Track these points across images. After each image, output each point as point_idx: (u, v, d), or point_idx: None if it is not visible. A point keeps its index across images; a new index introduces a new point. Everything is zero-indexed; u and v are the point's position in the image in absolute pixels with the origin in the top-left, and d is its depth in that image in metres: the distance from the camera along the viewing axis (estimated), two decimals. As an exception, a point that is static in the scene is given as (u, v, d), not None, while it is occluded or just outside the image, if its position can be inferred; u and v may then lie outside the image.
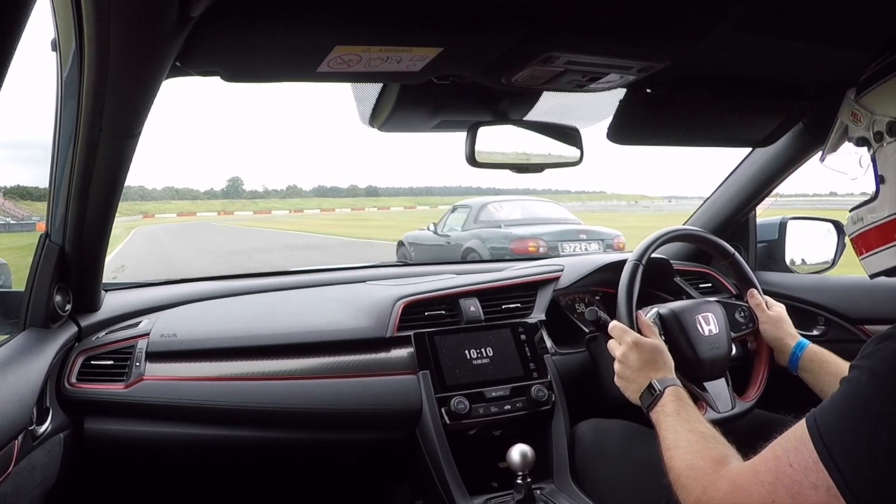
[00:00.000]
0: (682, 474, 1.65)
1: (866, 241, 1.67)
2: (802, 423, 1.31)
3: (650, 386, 2.04)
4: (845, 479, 1.18)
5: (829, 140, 1.82)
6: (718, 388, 2.46)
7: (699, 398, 2.42)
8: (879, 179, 1.60)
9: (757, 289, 2.62)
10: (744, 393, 2.54)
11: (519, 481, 2.28)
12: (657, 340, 2.25)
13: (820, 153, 2.00)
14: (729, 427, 2.17)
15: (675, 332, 2.48)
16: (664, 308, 2.56)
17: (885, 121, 1.58)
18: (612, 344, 2.29)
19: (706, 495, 1.52)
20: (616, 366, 2.24)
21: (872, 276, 1.71)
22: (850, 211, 1.73)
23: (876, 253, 1.64)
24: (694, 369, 2.44)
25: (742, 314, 2.55)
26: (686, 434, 1.79)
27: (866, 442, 1.19)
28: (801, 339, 2.45)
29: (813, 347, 2.40)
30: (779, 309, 2.56)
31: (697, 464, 1.63)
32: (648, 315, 2.50)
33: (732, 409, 2.43)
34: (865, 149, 1.68)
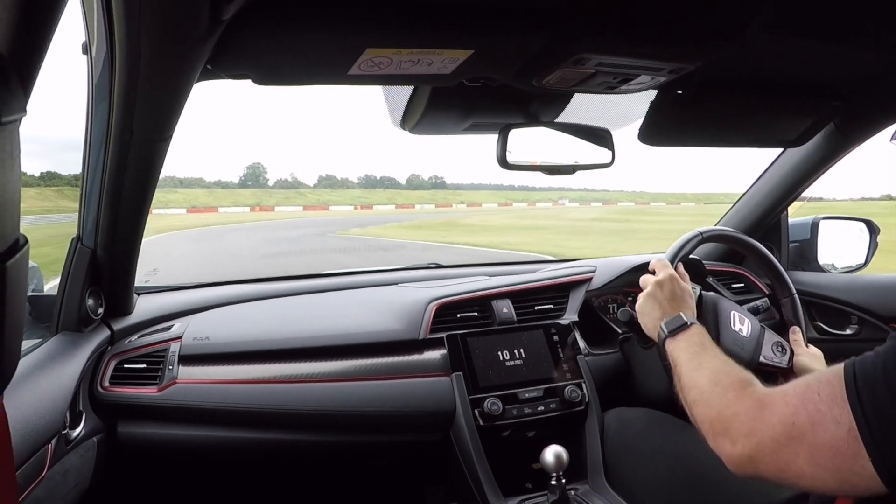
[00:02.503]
0: (706, 390, 1.66)
1: None
2: (840, 364, 1.31)
3: (678, 317, 2.06)
4: (870, 425, 1.18)
5: None
6: None
7: None
8: None
9: (802, 330, 2.60)
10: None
11: (553, 482, 2.27)
12: (691, 289, 2.31)
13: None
14: None
15: (708, 314, 2.47)
16: (708, 292, 2.57)
17: None
18: (645, 277, 2.34)
19: (729, 409, 1.52)
20: (646, 292, 2.27)
21: None
22: None
23: None
24: None
25: (779, 348, 2.53)
26: (712, 359, 1.81)
27: None
28: None
29: None
30: (816, 350, 2.55)
31: (723, 381, 1.64)
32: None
33: None
34: None
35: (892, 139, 1.88)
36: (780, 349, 2.47)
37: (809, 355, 2.48)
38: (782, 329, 2.61)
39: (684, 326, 2.01)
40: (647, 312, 2.22)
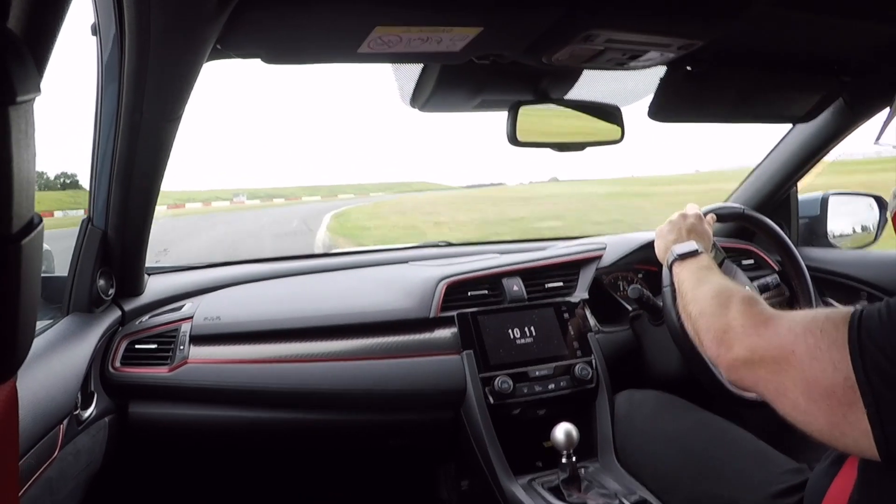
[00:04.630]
0: (712, 301, 1.69)
1: None
2: (849, 308, 1.30)
3: (691, 244, 2.13)
4: (869, 380, 1.17)
5: (891, 115, 1.81)
6: None
7: None
8: None
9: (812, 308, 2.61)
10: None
11: (564, 460, 2.28)
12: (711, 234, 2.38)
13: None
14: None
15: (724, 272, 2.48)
16: (729, 263, 2.62)
17: None
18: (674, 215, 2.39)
19: (736, 320, 1.55)
20: (669, 219, 2.35)
21: None
22: (894, 188, 1.71)
23: None
24: None
25: None
26: (718, 278, 1.87)
27: None
28: None
29: None
30: None
31: (729, 294, 1.66)
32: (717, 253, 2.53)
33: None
34: None
35: (875, 141, 1.87)
36: None
37: None
38: (792, 306, 2.61)
39: (694, 253, 2.09)
40: (663, 235, 2.29)
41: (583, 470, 2.39)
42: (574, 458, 2.27)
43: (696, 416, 2.33)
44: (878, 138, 1.87)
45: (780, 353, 1.35)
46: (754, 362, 1.44)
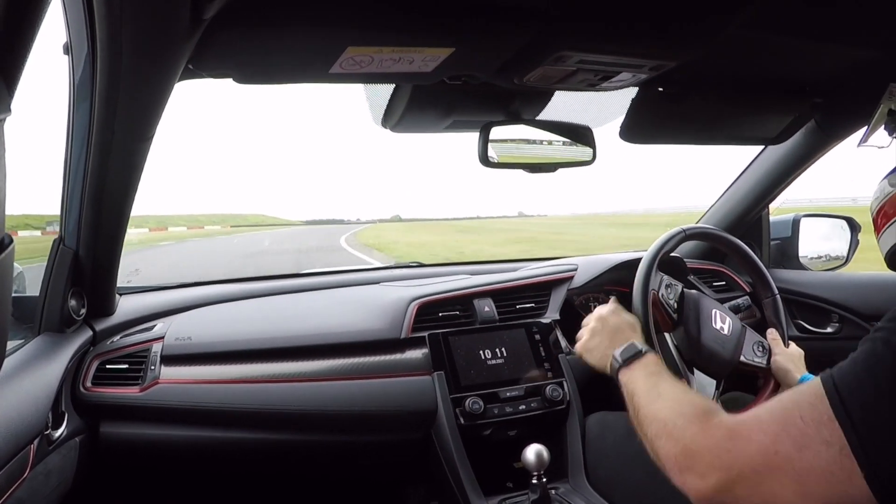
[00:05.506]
0: (669, 422, 1.54)
1: (885, 214, 1.65)
2: (817, 381, 1.25)
3: (631, 345, 2.00)
4: (862, 440, 1.13)
5: (873, 122, 1.81)
6: (704, 382, 2.48)
7: (682, 375, 2.45)
8: None
9: (782, 331, 2.61)
10: (731, 410, 2.52)
11: (534, 481, 2.27)
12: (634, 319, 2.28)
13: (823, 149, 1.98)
14: None
15: (689, 310, 2.51)
16: (690, 290, 2.61)
17: None
18: (585, 321, 2.33)
19: (696, 443, 1.42)
20: (588, 328, 2.26)
21: (888, 252, 1.67)
22: (876, 186, 1.71)
23: (894, 224, 1.63)
24: (692, 352, 2.46)
25: (760, 348, 2.54)
26: (671, 388, 1.72)
27: (891, 404, 1.14)
28: (808, 373, 2.44)
29: None
30: (795, 349, 2.55)
31: (686, 411, 1.52)
32: (671, 282, 2.56)
33: None
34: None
35: (859, 144, 1.88)
36: (760, 349, 2.49)
37: (787, 355, 2.49)
38: (763, 327, 2.63)
39: (639, 354, 1.96)
40: (594, 347, 2.20)
41: (553, 491, 2.40)
42: (545, 479, 2.27)
43: None
44: (863, 140, 1.88)
45: (762, 459, 1.25)
46: (731, 482, 1.30)
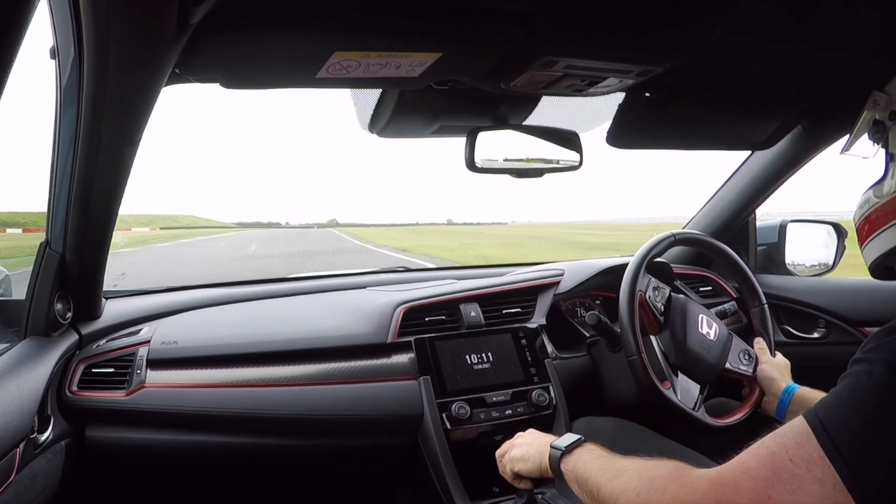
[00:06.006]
0: (643, 490, 1.42)
1: (868, 225, 1.64)
2: (801, 420, 1.23)
3: (569, 435, 1.88)
4: (855, 474, 1.11)
5: (855, 130, 1.80)
6: (690, 387, 2.48)
7: (667, 378, 2.45)
8: (889, 157, 1.59)
9: (769, 340, 2.62)
10: (717, 416, 2.53)
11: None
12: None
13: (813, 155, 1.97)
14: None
15: (676, 314, 2.53)
16: (677, 294, 2.62)
17: None
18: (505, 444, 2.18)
19: (679, 501, 1.32)
20: (510, 444, 2.13)
21: (872, 263, 1.66)
22: (860, 196, 1.71)
23: (878, 234, 1.61)
24: (677, 355, 2.48)
25: (746, 356, 2.55)
26: (628, 461, 1.60)
27: (881, 436, 1.13)
28: (793, 383, 2.43)
29: (804, 389, 2.36)
30: (781, 358, 2.55)
31: (658, 474, 1.42)
32: (658, 284, 2.58)
33: (693, 409, 2.43)
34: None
35: (842, 152, 1.88)
36: (746, 357, 2.50)
37: (773, 364, 2.49)
38: (749, 334, 2.63)
39: (580, 441, 1.84)
40: (524, 452, 2.03)
41: (540, 496, 2.40)
42: (532, 484, 2.27)
43: (655, 443, 2.33)
44: (845, 148, 1.88)
45: None
46: None
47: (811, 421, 1.20)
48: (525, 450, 2.00)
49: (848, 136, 1.78)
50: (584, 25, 1.70)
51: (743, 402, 2.54)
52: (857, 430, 1.14)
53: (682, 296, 2.63)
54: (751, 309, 2.73)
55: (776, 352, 2.58)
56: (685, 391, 2.46)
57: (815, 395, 2.29)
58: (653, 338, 2.52)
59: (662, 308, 2.55)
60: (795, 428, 1.22)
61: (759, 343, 2.60)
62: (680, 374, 2.47)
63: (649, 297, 2.54)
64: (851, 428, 1.15)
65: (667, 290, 2.60)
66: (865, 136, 1.72)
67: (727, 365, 2.49)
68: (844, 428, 1.15)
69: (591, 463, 1.68)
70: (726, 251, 2.77)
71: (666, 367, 2.46)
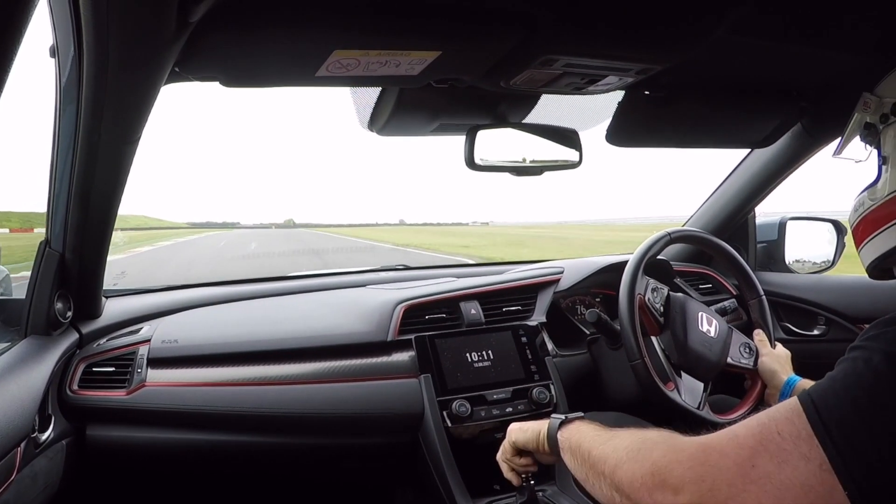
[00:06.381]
0: (633, 448, 1.42)
1: (864, 227, 1.64)
2: (794, 399, 1.22)
3: (553, 419, 1.84)
4: (842, 456, 1.11)
5: (846, 133, 1.79)
6: (694, 386, 2.50)
7: (670, 379, 2.48)
8: (882, 160, 1.59)
9: (768, 332, 2.63)
10: (720, 412, 2.54)
11: (522, 484, 2.28)
12: None
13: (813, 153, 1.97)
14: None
15: (676, 313, 2.54)
16: (676, 293, 2.63)
17: (890, 103, 1.58)
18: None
19: (666, 458, 1.32)
20: (510, 430, 2.05)
21: (870, 265, 1.66)
22: (854, 199, 1.71)
23: (873, 237, 1.60)
24: (679, 355, 2.49)
25: (746, 349, 2.56)
26: (625, 430, 1.55)
27: (872, 420, 1.13)
28: (795, 375, 2.44)
29: (805, 382, 2.38)
30: (782, 350, 2.56)
31: (651, 437, 1.42)
32: (656, 286, 2.59)
33: (698, 409, 2.45)
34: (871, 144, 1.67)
35: (834, 154, 1.88)
36: (747, 350, 2.51)
37: (774, 356, 2.50)
38: (750, 329, 2.64)
39: (580, 416, 1.82)
40: (524, 426, 2.00)
41: (541, 493, 2.39)
42: (532, 482, 2.27)
43: None
44: (837, 151, 1.87)
45: (738, 472, 1.20)
46: (706, 495, 1.23)
47: (803, 400, 1.20)
48: (526, 425, 1.99)
49: (839, 138, 1.78)
50: (584, 24, 1.70)
51: (745, 397, 2.55)
52: (848, 412, 1.15)
53: (680, 294, 2.64)
54: (748, 301, 2.74)
55: (776, 343, 2.59)
56: (689, 390, 2.46)
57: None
58: (654, 339, 2.53)
59: (662, 309, 2.55)
60: (787, 405, 1.22)
61: (759, 335, 2.61)
62: (683, 374, 2.48)
63: (648, 299, 2.54)
64: (843, 410, 1.15)
65: (665, 289, 2.61)
66: (857, 138, 1.72)
67: (728, 360, 2.50)
68: (836, 409, 1.16)
69: (588, 431, 1.68)
70: (722, 246, 2.78)
71: (669, 368, 2.47)
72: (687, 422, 2.40)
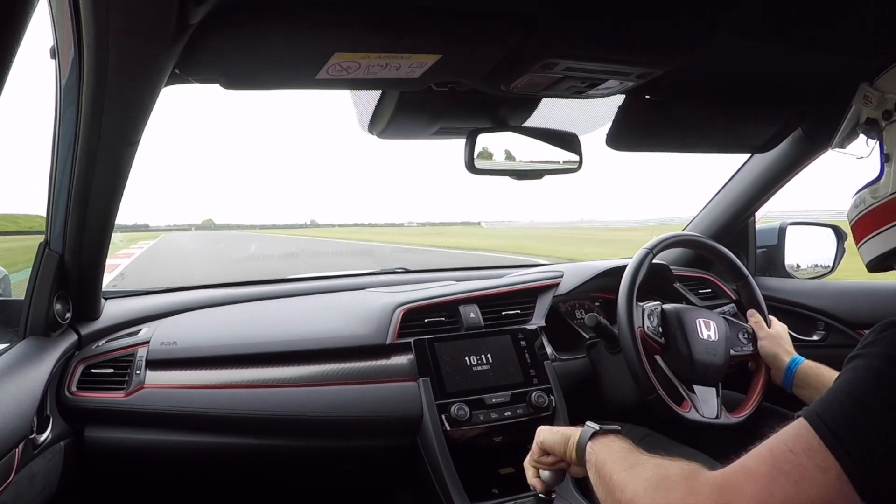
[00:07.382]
0: (651, 484, 1.38)
1: (865, 225, 1.62)
2: (799, 419, 1.21)
3: (587, 428, 1.76)
4: (855, 462, 1.10)
5: (842, 126, 1.79)
6: (707, 395, 2.50)
7: (685, 398, 2.47)
8: (885, 158, 1.58)
9: (761, 310, 2.64)
10: (734, 410, 2.55)
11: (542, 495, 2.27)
12: None
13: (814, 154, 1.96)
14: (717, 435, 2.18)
15: (674, 328, 2.54)
16: (668, 305, 2.63)
17: (893, 99, 1.56)
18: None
19: (685, 501, 1.28)
20: (551, 431, 1.94)
21: (870, 262, 1.65)
22: (854, 195, 1.70)
23: (875, 236, 1.59)
24: (686, 370, 2.50)
25: (744, 335, 2.56)
26: (648, 458, 1.53)
27: (879, 426, 1.13)
28: (797, 355, 2.46)
29: (808, 363, 2.39)
30: (779, 327, 2.57)
31: (670, 473, 1.37)
32: (651, 308, 2.59)
33: (717, 418, 2.46)
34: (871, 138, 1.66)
35: (832, 147, 1.87)
36: (745, 336, 2.53)
37: (772, 337, 2.56)
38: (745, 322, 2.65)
39: (616, 430, 1.74)
40: (556, 428, 1.94)
41: (553, 494, 2.40)
42: (554, 495, 2.26)
43: (656, 442, 2.33)
44: (834, 145, 1.86)
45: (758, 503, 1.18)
46: None
47: (809, 416, 1.19)
48: (557, 427, 1.93)
49: (844, 133, 1.77)
50: (585, 27, 1.70)
51: (751, 385, 2.60)
52: (856, 421, 1.14)
53: (672, 307, 2.65)
54: (736, 284, 2.78)
55: (771, 318, 2.64)
56: (704, 402, 2.47)
57: (817, 367, 2.35)
58: (658, 358, 2.54)
59: (661, 329, 2.56)
60: (794, 425, 1.21)
61: (754, 316, 2.64)
62: (696, 388, 2.48)
63: (647, 327, 2.56)
64: (848, 420, 1.15)
65: (658, 307, 2.62)
66: (858, 133, 1.72)
67: (731, 352, 2.51)
68: (841, 419, 1.15)
69: (615, 451, 1.63)
70: (722, 251, 2.80)
71: (681, 387, 2.49)
72: (709, 433, 2.42)
